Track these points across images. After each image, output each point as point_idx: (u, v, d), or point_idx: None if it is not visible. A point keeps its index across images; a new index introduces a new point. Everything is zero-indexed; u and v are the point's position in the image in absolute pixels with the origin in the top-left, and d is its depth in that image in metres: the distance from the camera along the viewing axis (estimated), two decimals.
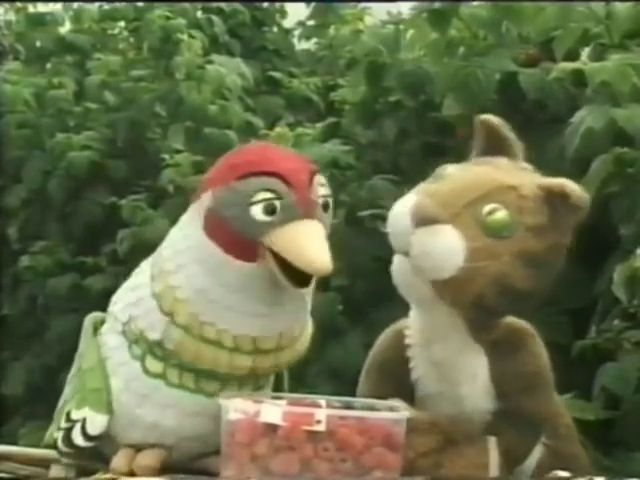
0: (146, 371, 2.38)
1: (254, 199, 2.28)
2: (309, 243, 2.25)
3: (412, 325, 2.25)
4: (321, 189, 2.31)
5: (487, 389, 2.27)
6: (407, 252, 2.04)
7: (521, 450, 2.27)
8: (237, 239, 2.30)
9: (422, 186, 2.10)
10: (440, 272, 2.04)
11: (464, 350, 2.23)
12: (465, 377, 2.29)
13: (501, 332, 2.23)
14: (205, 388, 2.36)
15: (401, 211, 2.08)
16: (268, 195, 2.28)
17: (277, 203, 2.27)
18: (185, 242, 2.38)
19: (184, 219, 2.45)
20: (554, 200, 1.97)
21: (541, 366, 2.32)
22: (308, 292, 2.34)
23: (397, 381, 2.28)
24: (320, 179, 2.36)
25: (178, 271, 2.34)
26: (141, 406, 2.38)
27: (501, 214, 2.00)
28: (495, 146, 2.14)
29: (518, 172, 2.11)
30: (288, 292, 2.38)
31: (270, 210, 2.27)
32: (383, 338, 2.42)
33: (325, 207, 2.31)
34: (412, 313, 2.24)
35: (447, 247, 2.02)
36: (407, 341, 2.27)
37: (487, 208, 2.00)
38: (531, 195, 1.99)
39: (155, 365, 2.37)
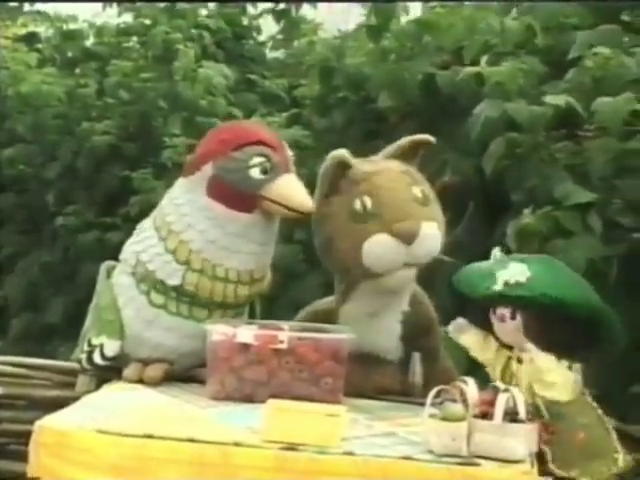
0: (151, 303, 2.38)
1: (251, 163, 2.34)
2: (295, 191, 2.33)
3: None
4: (288, 150, 2.40)
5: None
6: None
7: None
8: (239, 196, 2.32)
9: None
10: None
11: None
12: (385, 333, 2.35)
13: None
14: (197, 315, 2.37)
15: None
16: (262, 159, 2.34)
17: (268, 164, 2.33)
18: (190, 206, 2.36)
19: (179, 190, 2.43)
20: None
21: (432, 312, 2.41)
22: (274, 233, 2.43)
23: None
24: (285, 143, 2.44)
25: (188, 229, 2.33)
26: (148, 330, 2.38)
27: None
28: None
29: None
30: (271, 233, 2.41)
31: (264, 170, 2.32)
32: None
33: (294, 162, 2.40)
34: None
35: None
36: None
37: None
38: None
39: (158, 298, 2.37)
